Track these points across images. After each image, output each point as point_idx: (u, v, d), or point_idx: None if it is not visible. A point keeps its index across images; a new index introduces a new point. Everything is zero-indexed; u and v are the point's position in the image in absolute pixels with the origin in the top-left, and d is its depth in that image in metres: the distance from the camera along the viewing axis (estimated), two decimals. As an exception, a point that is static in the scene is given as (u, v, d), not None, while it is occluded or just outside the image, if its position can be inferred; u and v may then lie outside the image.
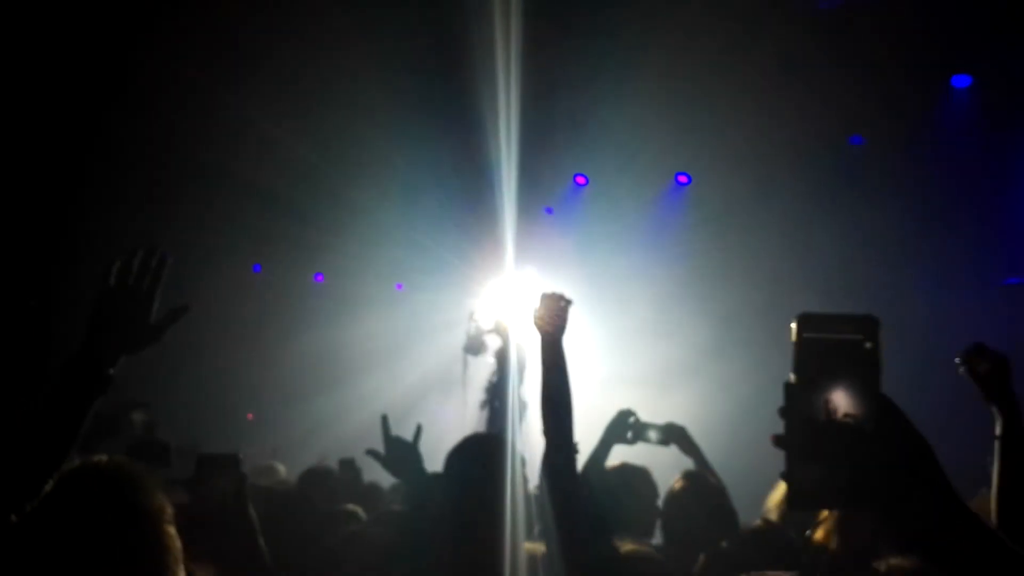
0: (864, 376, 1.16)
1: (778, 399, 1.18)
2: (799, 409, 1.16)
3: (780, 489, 3.78)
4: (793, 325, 1.19)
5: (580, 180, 10.31)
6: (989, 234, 8.25)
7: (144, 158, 9.03)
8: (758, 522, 3.69)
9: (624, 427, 4.33)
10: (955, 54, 8.01)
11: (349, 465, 5.96)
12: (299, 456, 7.84)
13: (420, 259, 10.96)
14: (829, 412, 1.16)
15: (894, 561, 2.01)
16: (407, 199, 9.90)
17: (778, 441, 1.17)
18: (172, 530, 1.83)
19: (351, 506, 4.37)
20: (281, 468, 6.98)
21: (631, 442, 4.36)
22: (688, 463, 4.48)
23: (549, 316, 3.04)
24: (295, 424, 9.83)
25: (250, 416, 10.82)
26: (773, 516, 3.69)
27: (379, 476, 4.88)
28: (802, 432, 1.16)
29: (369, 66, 7.87)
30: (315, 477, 5.42)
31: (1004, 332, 7.58)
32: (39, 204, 8.63)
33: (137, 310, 2.01)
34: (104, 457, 1.88)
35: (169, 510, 1.84)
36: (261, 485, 4.62)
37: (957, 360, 2.64)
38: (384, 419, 3.43)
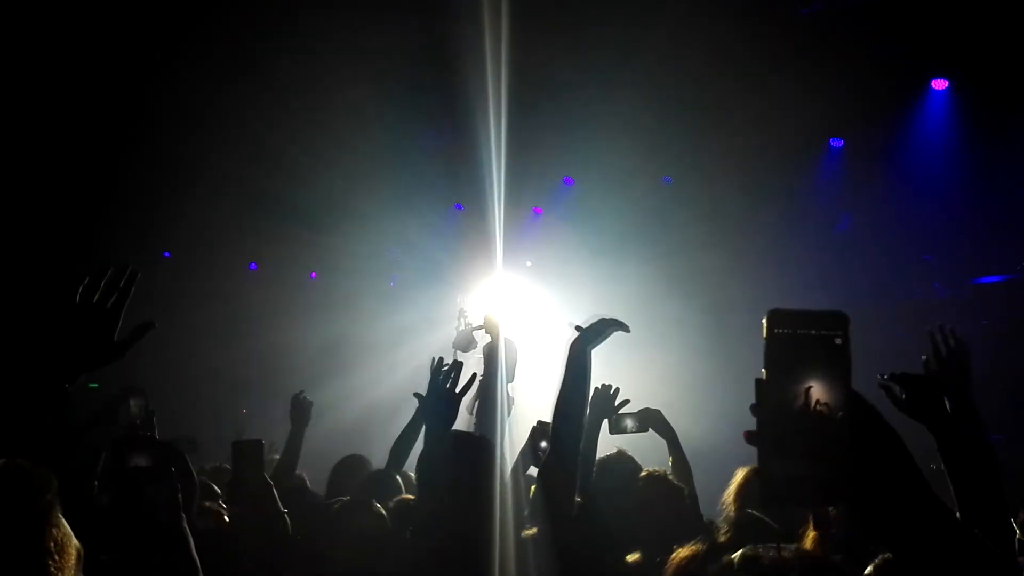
0: (835, 371, 1.15)
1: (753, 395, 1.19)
2: (771, 405, 1.15)
3: (736, 482, 3.81)
4: (764, 321, 1.17)
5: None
6: (967, 233, 8.39)
7: (146, 163, 9.13)
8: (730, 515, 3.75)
9: (608, 399, 4.23)
10: (934, 59, 8.17)
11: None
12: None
13: (412, 257, 11.08)
14: (801, 407, 1.14)
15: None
16: (399, 199, 10.00)
17: (750, 437, 1.15)
18: (59, 533, 1.72)
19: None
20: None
21: (611, 430, 4.27)
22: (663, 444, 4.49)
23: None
24: (286, 419, 9.87)
25: (243, 411, 10.88)
26: (731, 509, 3.71)
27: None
28: (774, 427, 1.14)
29: (363, 72, 8.00)
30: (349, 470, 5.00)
31: (981, 329, 7.77)
32: (38, 208, 8.71)
33: (101, 328, 2.00)
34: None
35: (57, 511, 1.73)
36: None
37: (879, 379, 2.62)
38: (436, 361, 3.32)
